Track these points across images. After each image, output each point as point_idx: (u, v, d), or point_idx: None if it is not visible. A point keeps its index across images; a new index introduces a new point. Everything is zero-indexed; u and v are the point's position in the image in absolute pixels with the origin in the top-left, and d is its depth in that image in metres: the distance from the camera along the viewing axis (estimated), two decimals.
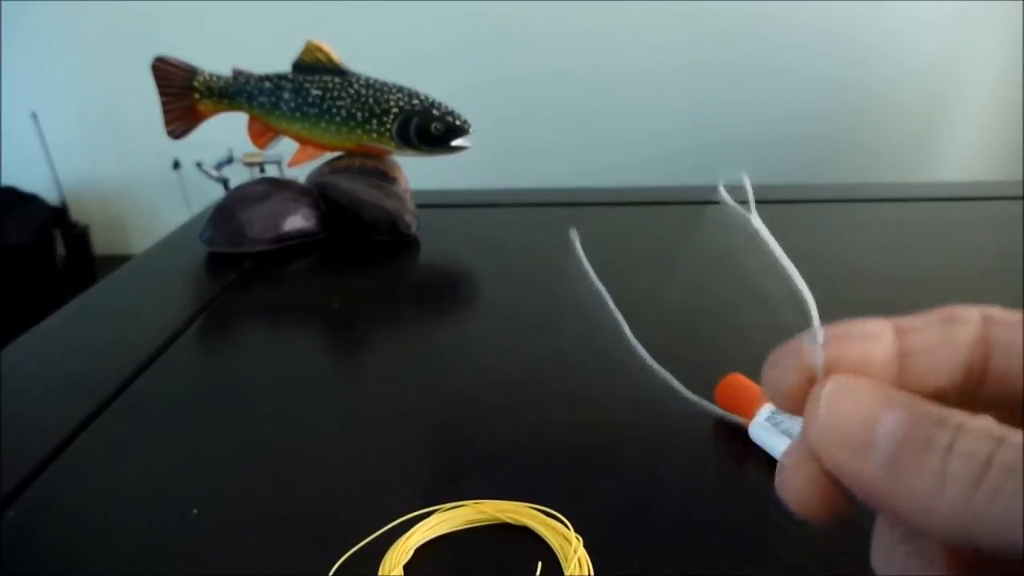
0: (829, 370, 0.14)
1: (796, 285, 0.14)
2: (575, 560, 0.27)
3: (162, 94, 0.65)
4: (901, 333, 0.14)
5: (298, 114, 0.63)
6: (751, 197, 0.15)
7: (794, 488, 0.13)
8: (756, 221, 0.15)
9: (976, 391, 0.14)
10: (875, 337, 0.14)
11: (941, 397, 0.14)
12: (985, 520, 0.10)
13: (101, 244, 2.31)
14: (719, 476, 0.34)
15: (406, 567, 0.28)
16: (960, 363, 0.14)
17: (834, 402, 0.13)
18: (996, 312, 0.14)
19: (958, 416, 0.12)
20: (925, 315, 0.15)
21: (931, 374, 0.14)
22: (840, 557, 0.28)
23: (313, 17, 1.96)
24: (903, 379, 0.14)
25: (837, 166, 2.11)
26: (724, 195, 0.15)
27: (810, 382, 0.14)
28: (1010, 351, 0.14)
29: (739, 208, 0.15)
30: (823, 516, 0.13)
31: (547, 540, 0.29)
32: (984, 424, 0.11)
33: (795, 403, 0.14)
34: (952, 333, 0.14)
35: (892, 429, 0.12)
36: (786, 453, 0.14)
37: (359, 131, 0.63)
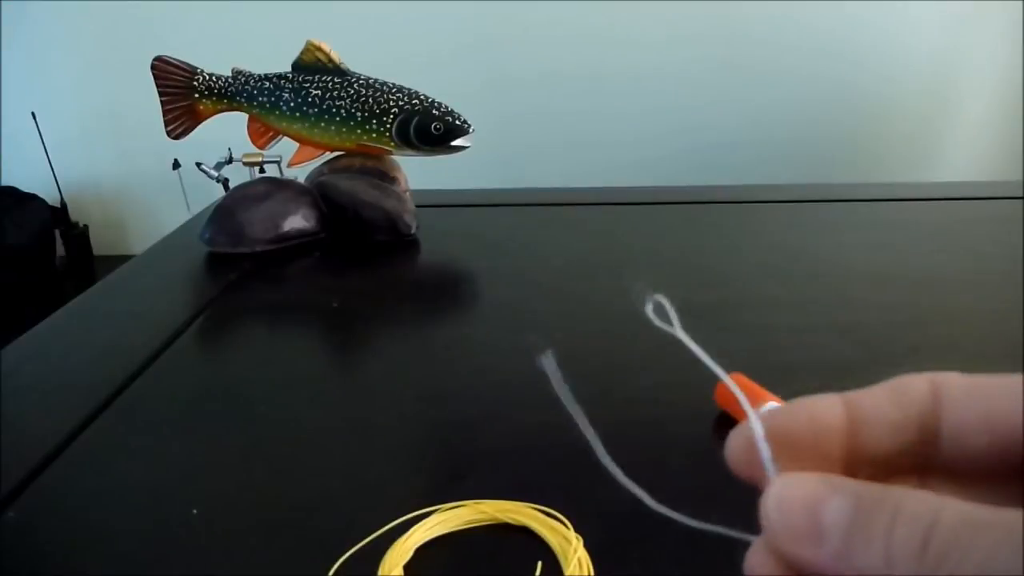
0: (785, 445, 0.15)
1: (736, 395, 0.15)
2: (575, 560, 0.27)
3: (162, 94, 0.65)
4: (849, 404, 0.15)
5: (298, 114, 0.63)
6: (673, 317, 0.16)
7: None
8: (680, 334, 0.17)
9: (931, 451, 0.15)
10: (821, 412, 0.15)
11: (899, 461, 0.15)
12: None
13: (101, 244, 2.30)
14: (719, 476, 0.34)
15: (406, 567, 0.28)
16: (911, 425, 0.15)
17: (781, 501, 0.14)
18: (940, 374, 0.15)
19: (896, 496, 0.12)
20: (872, 387, 0.16)
21: (885, 439, 0.15)
22: None
23: (313, 17, 1.97)
24: (858, 447, 0.15)
25: (837, 166, 2.11)
26: (650, 314, 0.16)
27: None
28: (958, 403, 0.14)
29: (665, 326, 0.17)
30: None
31: (547, 540, 0.29)
32: (919, 502, 0.12)
33: (754, 477, 0.15)
34: (899, 399, 0.15)
35: (836, 518, 0.13)
36: (752, 550, 0.15)
37: (359, 131, 0.63)
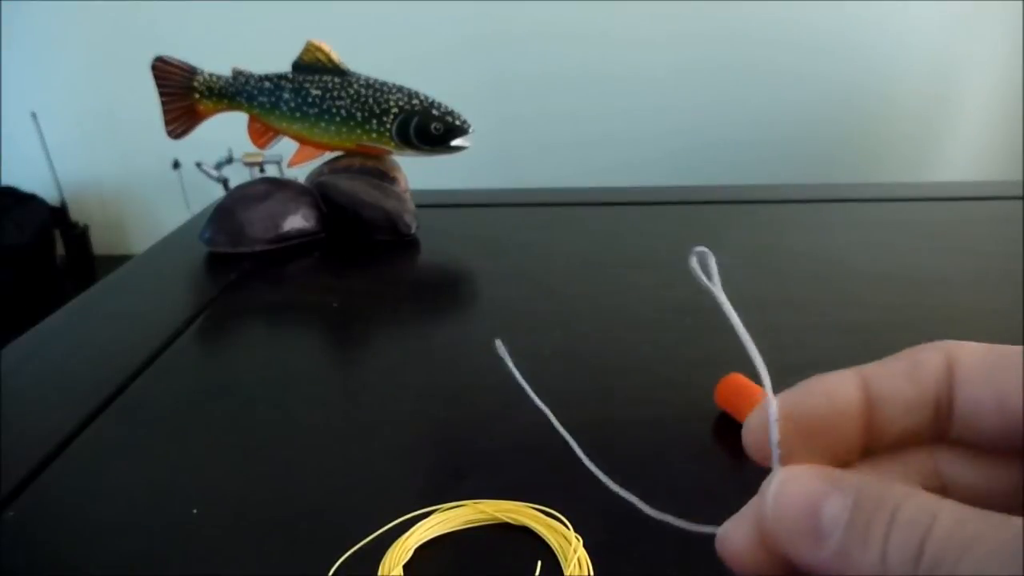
0: (802, 425, 0.15)
1: (759, 371, 0.15)
2: (575, 560, 0.27)
3: (162, 94, 0.65)
4: (865, 382, 0.15)
5: (298, 114, 0.63)
6: (715, 272, 0.16)
7: (740, 556, 0.14)
8: (721, 296, 0.17)
9: (946, 425, 0.15)
10: (838, 391, 0.15)
11: (913, 436, 0.15)
12: None
13: (101, 244, 2.30)
14: (719, 476, 0.34)
15: (406, 567, 0.28)
16: (927, 403, 0.15)
17: (780, 495, 0.14)
18: (956, 345, 0.15)
19: (897, 495, 0.12)
20: (888, 360, 0.15)
21: (900, 417, 0.15)
22: None
23: (313, 17, 1.97)
24: (874, 425, 0.15)
25: (837, 166, 2.11)
26: (695, 268, 0.16)
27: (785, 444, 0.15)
28: (972, 382, 0.14)
29: (706, 282, 0.17)
30: None
31: (547, 540, 0.29)
32: (918, 508, 0.12)
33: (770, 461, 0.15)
34: (915, 375, 0.15)
35: (836, 515, 0.13)
36: (732, 526, 0.15)
37: (359, 131, 0.63)
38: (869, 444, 0.15)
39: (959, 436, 0.15)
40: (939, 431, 0.15)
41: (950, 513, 0.12)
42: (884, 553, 0.12)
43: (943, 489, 0.15)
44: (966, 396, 0.14)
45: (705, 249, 0.16)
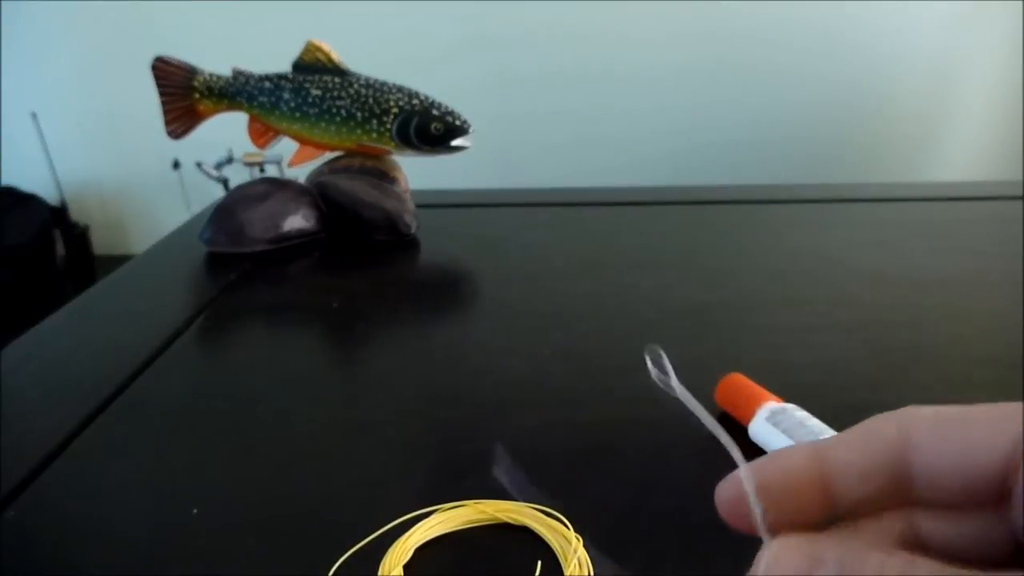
0: (766, 498, 0.16)
1: (727, 447, 0.16)
2: (575, 560, 0.27)
3: (162, 94, 0.65)
4: (819, 455, 0.16)
5: (298, 114, 0.63)
6: (670, 370, 0.17)
7: None
8: (680, 390, 0.18)
9: (909, 488, 0.15)
10: (792, 466, 0.16)
11: (875, 503, 0.16)
12: None
13: (101, 244, 2.30)
14: (719, 476, 0.34)
15: (406, 567, 0.28)
16: (880, 471, 0.15)
17: (772, 566, 0.15)
18: (910, 412, 0.16)
19: (875, 562, 0.13)
20: (844, 433, 0.16)
21: (857, 487, 0.16)
22: None
23: (313, 17, 1.96)
24: (834, 494, 0.16)
25: (837, 166, 2.11)
26: (651, 367, 0.18)
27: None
28: (925, 445, 0.15)
29: (664, 381, 0.18)
30: None
31: (547, 540, 0.29)
32: (896, 568, 0.13)
33: (742, 527, 0.16)
34: (868, 446, 0.16)
35: None
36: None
37: (359, 131, 0.63)
38: (835, 511, 0.16)
39: (924, 497, 0.15)
40: (903, 495, 0.15)
41: (926, 572, 0.13)
42: None
43: (923, 546, 0.16)
44: (921, 460, 0.15)
45: (656, 346, 0.18)
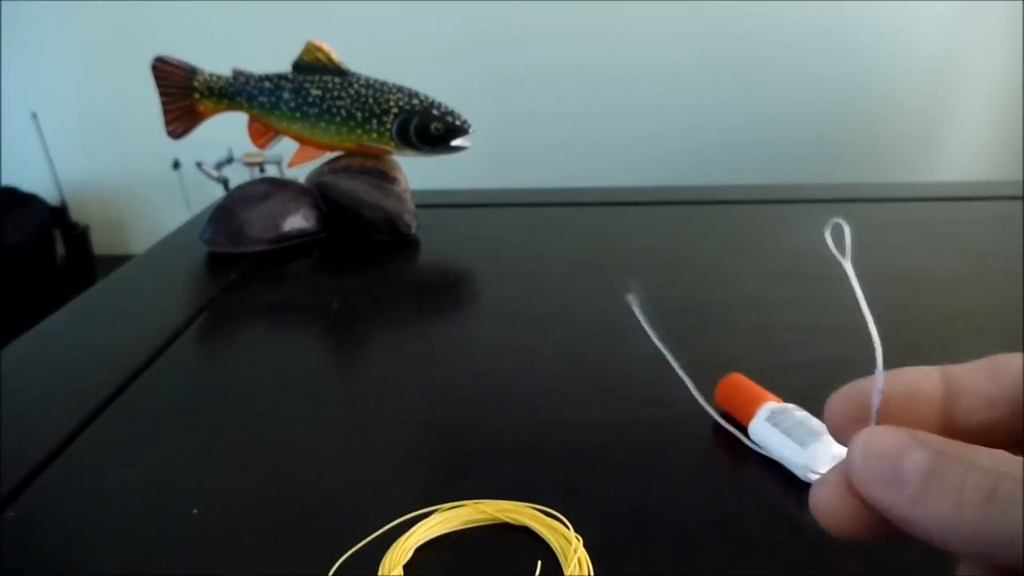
0: (882, 411, 0.16)
1: (873, 335, 0.16)
2: (575, 560, 0.27)
3: (162, 94, 0.65)
4: (947, 375, 0.16)
5: (298, 114, 0.63)
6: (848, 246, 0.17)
7: (830, 511, 0.16)
8: (850, 270, 0.18)
9: None
10: (920, 381, 0.16)
11: (990, 430, 0.16)
12: (994, 536, 0.13)
13: (101, 244, 2.30)
14: (719, 476, 0.34)
15: (406, 567, 0.28)
16: (1006, 401, 0.16)
17: (868, 447, 0.15)
18: None
19: (971, 452, 0.14)
20: (972, 362, 0.17)
21: (981, 411, 0.16)
22: (840, 555, 0.28)
23: (313, 17, 1.96)
24: (954, 416, 0.16)
25: (837, 166, 2.11)
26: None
27: (863, 421, 0.16)
28: None
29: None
30: (853, 535, 0.15)
31: (547, 540, 0.29)
32: (992, 459, 0.13)
33: (847, 433, 0.16)
34: (997, 375, 0.16)
35: (916, 466, 0.14)
36: (821, 481, 0.16)
37: (359, 131, 0.63)
38: (947, 436, 0.16)
39: None
40: (1018, 433, 0.16)
41: (1020, 468, 0.13)
42: (959, 496, 0.13)
43: None
44: None
45: (841, 221, 0.18)
